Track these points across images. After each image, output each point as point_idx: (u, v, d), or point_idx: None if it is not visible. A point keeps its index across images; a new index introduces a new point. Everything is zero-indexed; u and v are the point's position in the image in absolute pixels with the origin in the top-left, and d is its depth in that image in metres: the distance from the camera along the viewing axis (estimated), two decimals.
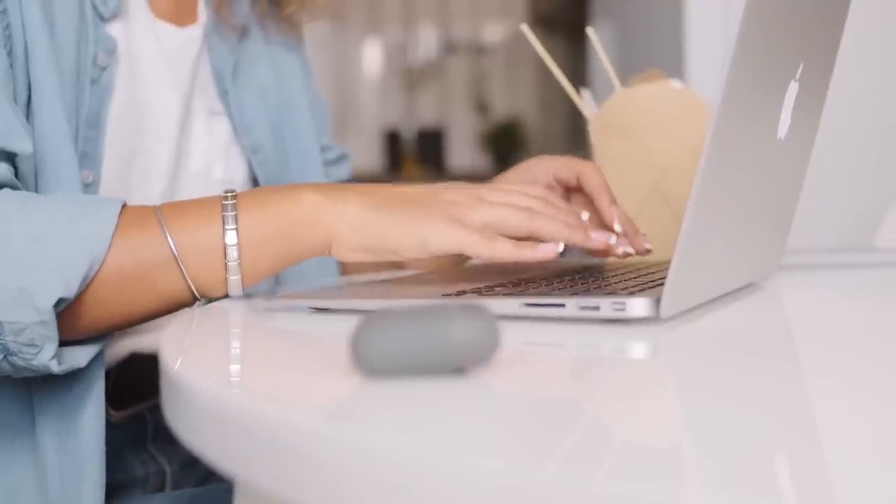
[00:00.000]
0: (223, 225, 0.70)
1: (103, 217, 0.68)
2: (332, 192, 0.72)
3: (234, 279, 0.70)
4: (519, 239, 0.71)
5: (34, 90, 0.76)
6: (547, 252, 0.69)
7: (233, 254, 0.69)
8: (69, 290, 0.65)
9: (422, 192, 0.73)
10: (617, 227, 0.83)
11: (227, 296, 0.72)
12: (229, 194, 0.71)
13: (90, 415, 0.75)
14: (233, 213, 0.70)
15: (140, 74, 0.89)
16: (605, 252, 0.74)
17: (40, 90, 0.76)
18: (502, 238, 0.69)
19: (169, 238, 0.69)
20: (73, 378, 0.75)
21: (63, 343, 0.69)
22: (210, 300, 0.73)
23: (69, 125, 0.78)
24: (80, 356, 0.71)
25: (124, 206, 0.70)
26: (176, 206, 0.72)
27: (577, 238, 0.71)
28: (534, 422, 0.39)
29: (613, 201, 0.84)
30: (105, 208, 0.69)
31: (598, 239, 0.72)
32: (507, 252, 0.69)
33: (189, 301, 0.72)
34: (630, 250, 0.80)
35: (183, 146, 0.93)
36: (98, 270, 0.67)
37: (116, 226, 0.68)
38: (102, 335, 0.73)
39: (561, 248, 0.70)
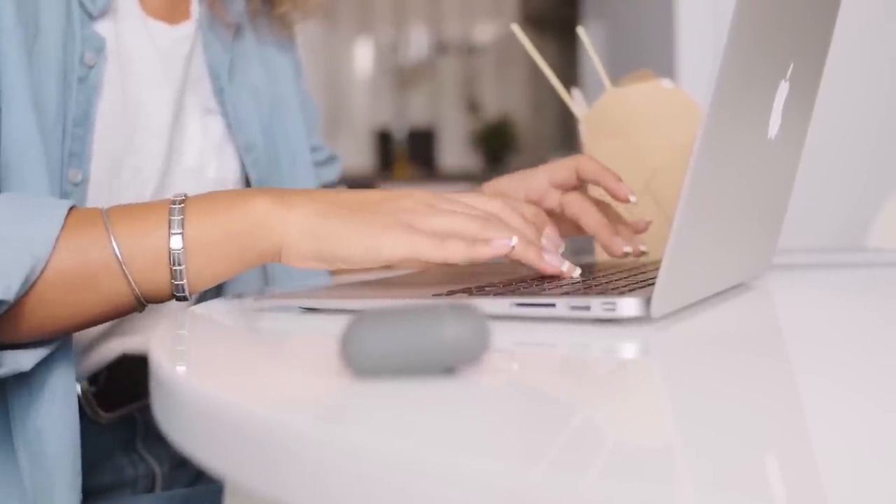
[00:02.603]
0: (169, 229, 0.68)
1: (48, 218, 0.67)
2: (283, 197, 0.70)
3: (180, 284, 0.69)
4: None
5: (3, 93, 0.75)
6: (500, 247, 0.67)
7: (178, 259, 0.68)
8: (9, 293, 0.64)
9: (374, 198, 0.72)
10: (633, 199, 0.82)
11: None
12: (178, 198, 0.70)
13: (56, 420, 0.74)
14: (179, 218, 0.68)
15: (131, 72, 0.88)
16: (556, 276, 0.72)
17: (9, 92, 0.75)
18: (454, 239, 0.67)
19: (113, 241, 0.68)
20: (42, 382, 0.74)
21: (7, 346, 0.68)
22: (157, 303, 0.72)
23: (56, 125, 0.78)
24: (23, 359, 0.70)
25: (72, 208, 0.69)
26: (123, 210, 0.70)
27: (530, 255, 0.69)
28: (524, 422, 0.39)
29: (619, 179, 0.83)
30: (51, 210, 0.68)
31: (550, 262, 0.70)
32: (459, 252, 0.67)
33: (134, 306, 0.70)
34: (629, 249, 0.80)
35: (176, 144, 0.93)
36: (41, 273, 0.66)
37: (62, 228, 0.67)
38: (50, 339, 0.72)
39: (514, 241, 0.67)
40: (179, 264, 0.68)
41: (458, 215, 0.70)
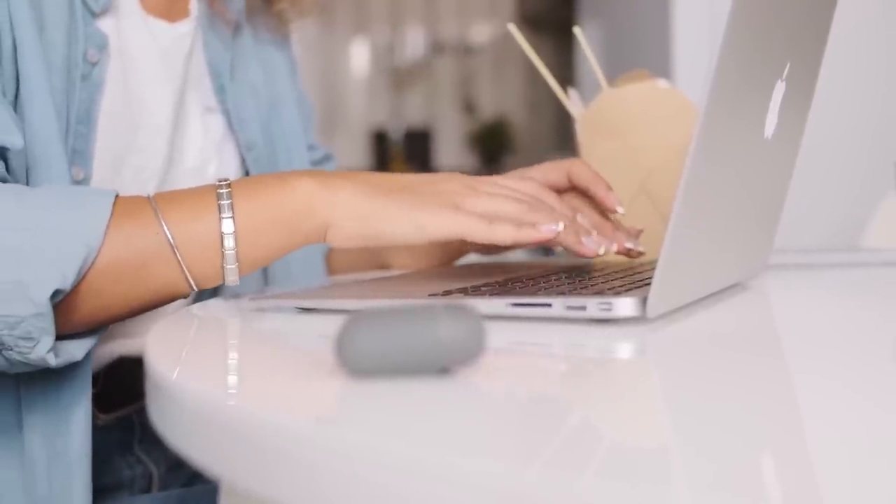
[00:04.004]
0: (219, 213, 0.69)
1: (97, 207, 0.67)
2: (327, 179, 0.71)
3: (231, 268, 0.69)
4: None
5: (23, 86, 0.75)
6: (547, 233, 0.69)
7: (229, 242, 0.69)
8: (65, 282, 0.64)
9: (418, 179, 0.73)
10: (620, 210, 0.83)
11: (220, 286, 0.71)
12: (223, 182, 0.70)
13: (79, 416, 0.75)
14: (228, 202, 0.69)
15: (133, 70, 0.88)
16: (590, 255, 0.73)
17: (29, 86, 0.75)
18: (502, 220, 0.69)
19: (165, 228, 0.68)
20: (62, 377, 0.74)
21: (58, 337, 0.68)
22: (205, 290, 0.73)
23: (59, 121, 0.78)
24: (75, 350, 0.70)
25: (118, 196, 0.69)
26: (170, 196, 0.71)
27: (569, 238, 0.70)
28: (520, 422, 0.39)
29: (610, 188, 0.84)
30: (99, 198, 0.68)
31: (588, 245, 0.72)
32: (507, 234, 0.68)
33: (185, 291, 0.71)
34: (637, 248, 0.80)
35: (177, 143, 0.93)
36: (94, 261, 0.66)
37: (111, 216, 0.67)
38: (97, 329, 0.72)
39: (561, 227, 0.69)
40: (231, 248, 0.69)
41: (500, 198, 0.71)
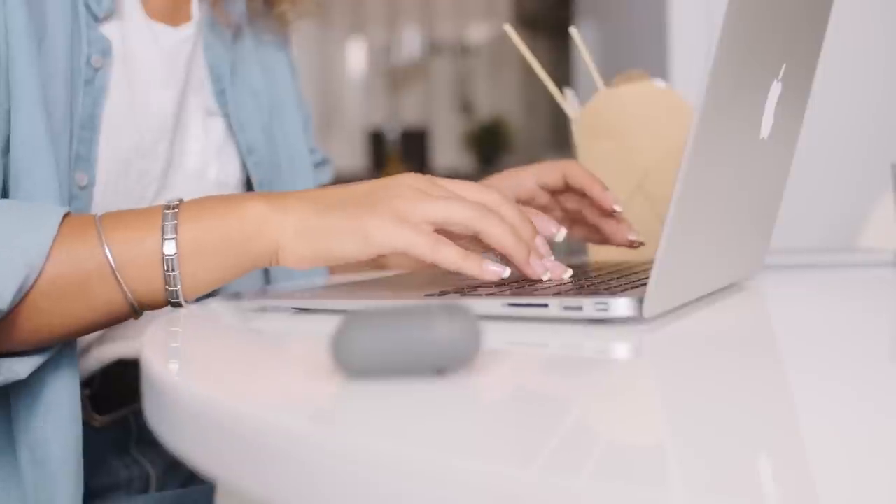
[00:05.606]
0: (162, 235, 0.67)
1: (43, 226, 0.66)
2: (278, 201, 0.69)
3: (174, 290, 0.68)
4: (465, 245, 0.68)
5: (14, 95, 0.75)
6: (491, 275, 0.66)
7: (172, 264, 0.67)
8: (3, 302, 0.63)
9: (366, 189, 0.70)
10: (618, 208, 0.83)
11: (171, 305, 0.70)
12: (172, 203, 0.69)
13: (61, 427, 0.74)
14: (173, 223, 0.68)
15: (136, 74, 0.88)
16: (533, 277, 0.71)
17: (20, 95, 0.75)
18: (449, 243, 0.66)
19: (106, 248, 0.67)
20: (46, 389, 0.74)
21: (4, 354, 0.68)
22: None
23: (56, 128, 0.77)
24: (19, 367, 0.69)
25: (67, 214, 0.68)
26: (117, 216, 0.70)
27: (519, 256, 0.68)
28: (517, 423, 0.39)
29: (605, 188, 0.84)
30: (46, 217, 0.67)
31: (534, 267, 0.69)
32: (450, 259, 0.66)
33: (129, 313, 0.70)
34: (638, 239, 0.80)
35: (178, 146, 0.93)
36: (35, 281, 0.66)
37: (56, 235, 0.66)
38: (46, 347, 0.72)
39: (507, 274, 0.66)
40: (173, 270, 0.67)
41: (451, 202, 0.68)
